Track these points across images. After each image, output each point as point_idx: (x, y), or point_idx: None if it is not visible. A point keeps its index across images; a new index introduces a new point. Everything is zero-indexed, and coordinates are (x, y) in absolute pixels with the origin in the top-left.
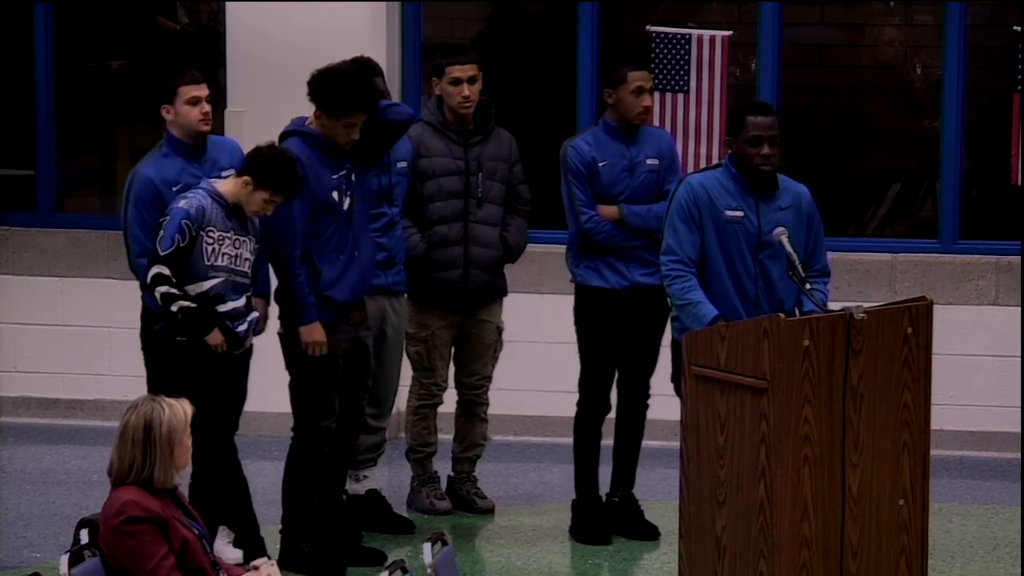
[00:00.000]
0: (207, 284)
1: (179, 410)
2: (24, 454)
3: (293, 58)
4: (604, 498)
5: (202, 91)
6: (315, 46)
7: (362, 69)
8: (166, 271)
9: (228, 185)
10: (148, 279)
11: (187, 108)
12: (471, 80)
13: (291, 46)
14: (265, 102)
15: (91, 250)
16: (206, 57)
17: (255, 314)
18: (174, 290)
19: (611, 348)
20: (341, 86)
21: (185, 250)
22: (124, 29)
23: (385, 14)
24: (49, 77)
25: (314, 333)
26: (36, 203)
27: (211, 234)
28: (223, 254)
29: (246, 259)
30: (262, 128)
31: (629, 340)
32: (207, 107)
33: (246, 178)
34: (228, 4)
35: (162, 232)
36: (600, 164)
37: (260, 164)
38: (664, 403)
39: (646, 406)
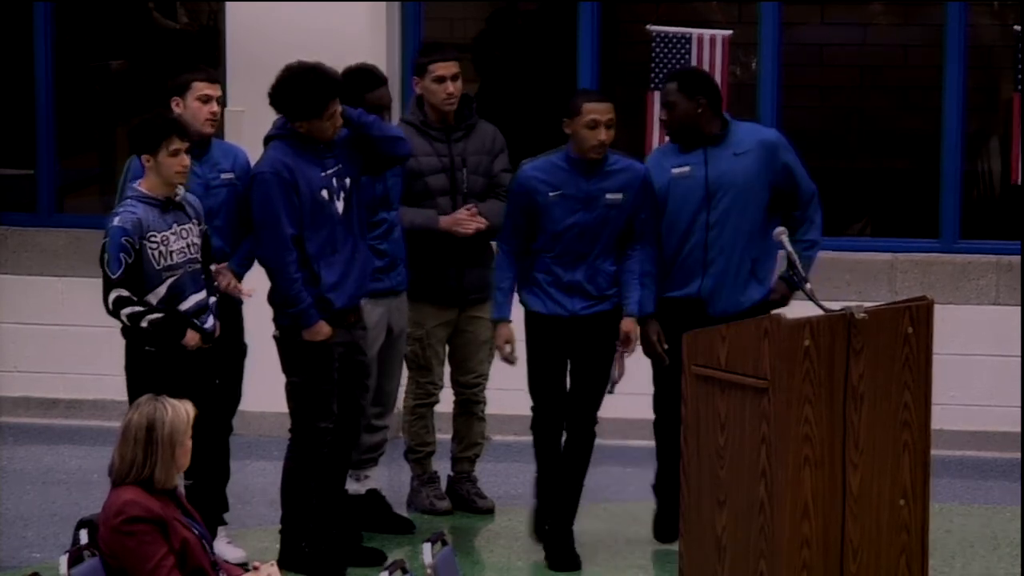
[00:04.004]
0: (163, 288)
1: (181, 411)
2: (24, 454)
3: (293, 58)
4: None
5: (214, 91)
6: (315, 46)
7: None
8: (125, 292)
9: (147, 180)
10: (110, 305)
11: (197, 104)
12: (454, 77)
13: (291, 46)
14: (265, 102)
15: (91, 250)
16: (206, 57)
17: (212, 298)
18: (138, 308)
19: (560, 371)
20: (302, 88)
21: (134, 265)
22: (124, 29)
23: (385, 14)
24: (49, 77)
25: (318, 337)
26: (36, 203)
27: (153, 239)
28: (171, 252)
29: (195, 244)
30: (262, 128)
31: (575, 368)
32: (216, 107)
33: (144, 157)
34: (228, 4)
35: (107, 255)
36: (551, 194)
37: (135, 135)
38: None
39: (592, 436)
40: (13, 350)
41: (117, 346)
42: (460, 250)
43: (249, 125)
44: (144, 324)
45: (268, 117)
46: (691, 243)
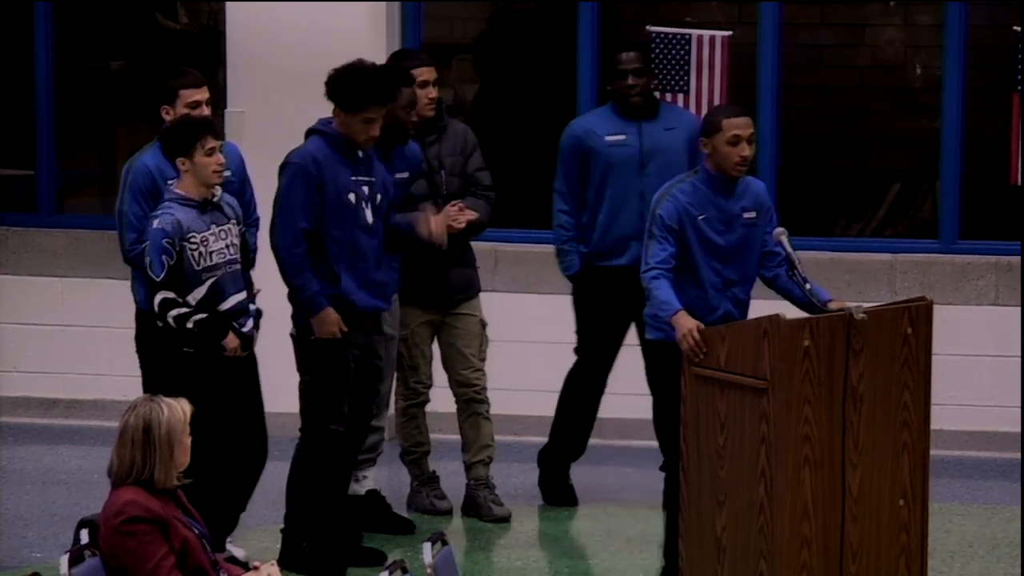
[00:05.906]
0: (203, 289)
1: (178, 410)
2: (24, 454)
3: (293, 58)
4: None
5: (202, 94)
6: (315, 46)
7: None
8: (170, 294)
9: (184, 183)
10: (156, 308)
11: (186, 112)
12: (435, 82)
13: (291, 46)
14: (265, 102)
15: (91, 250)
16: (206, 57)
17: (255, 307)
18: (184, 309)
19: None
20: (355, 81)
21: (175, 267)
22: (124, 29)
23: (385, 14)
24: (49, 77)
25: (325, 324)
26: (36, 203)
27: (192, 240)
28: (211, 253)
29: (234, 244)
30: (262, 128)
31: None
32: (206, 111)
33: (180, 160)
34: (228, 4)
35: (148, 259)
36: (700, 217)
37: (168, 139)
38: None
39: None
40: (13, 350)
41: (117, 346)
42: (443, 251)
43: (249, 125)
44: (190, 325)
45: (268, 117)
46: (625, 212)
